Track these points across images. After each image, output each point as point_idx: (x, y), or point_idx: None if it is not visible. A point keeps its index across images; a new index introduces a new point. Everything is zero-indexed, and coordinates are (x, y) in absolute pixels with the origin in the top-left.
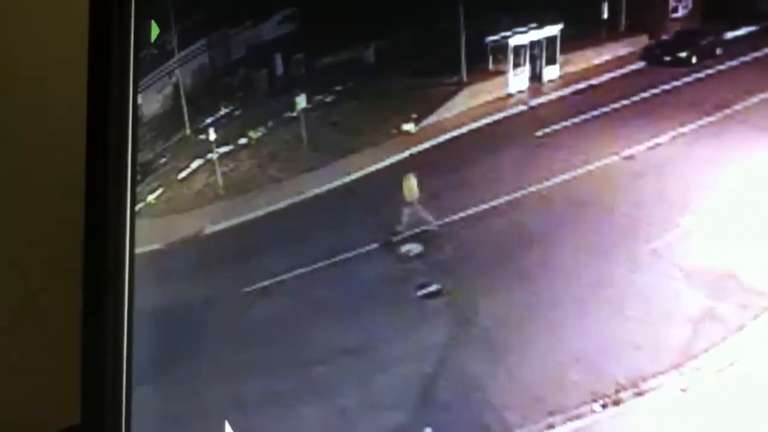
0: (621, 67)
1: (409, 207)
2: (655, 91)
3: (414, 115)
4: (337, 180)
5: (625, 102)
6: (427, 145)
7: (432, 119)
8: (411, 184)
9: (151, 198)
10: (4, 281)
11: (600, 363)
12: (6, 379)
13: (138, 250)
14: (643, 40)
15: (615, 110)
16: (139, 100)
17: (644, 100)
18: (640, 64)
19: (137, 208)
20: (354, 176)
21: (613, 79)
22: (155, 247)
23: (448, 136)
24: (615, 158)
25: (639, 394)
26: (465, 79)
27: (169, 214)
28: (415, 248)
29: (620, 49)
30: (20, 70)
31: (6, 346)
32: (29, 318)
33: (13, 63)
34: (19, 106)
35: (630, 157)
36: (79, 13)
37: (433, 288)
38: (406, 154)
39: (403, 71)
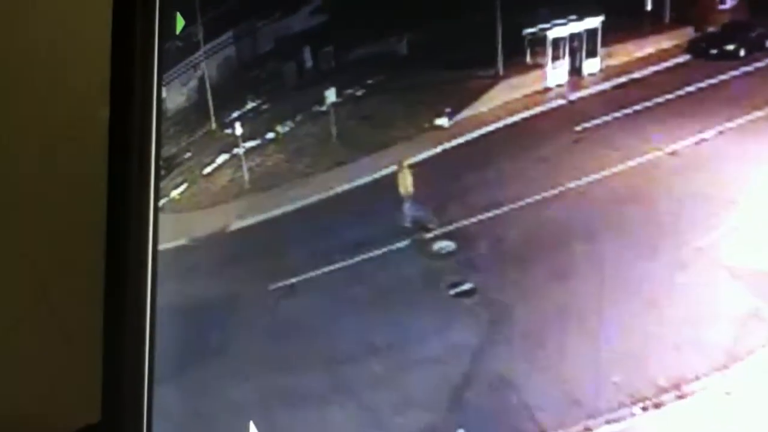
0: (665, 60)
1: (404, 203)
2: (701, 84)
3: (447, 110)
4: (367, 175)
5: (668, 96)
6: (460, 139)
7: (466, 113)
8: (406, 180)
9: (175, 193)
10: (17, 276)
11: (640, 364)
12: (21, 375)
13: (161, 247)
14: (689, 33)
15: (658, 104)
16: (163, 94)
17: (689, 94)
18: (685, 57)
19: (161, 203)
20: (385, 171)
21: (656, 72)
22: (179, 243)
23: (483, 130)
24: (658, 154)
25: (681, 396)
26: (501, 72)
27: (194, 209)
28: (447, 246)
29: (664, 41)
30: (41, 63)
31: (19, 342)
32: (41, 314)
33: (33, 55)
34: (39, 99)
35: (673, 153)
36: (102, 3)
37: (466, 286)
38: (439, 149)
39: (436, 64)
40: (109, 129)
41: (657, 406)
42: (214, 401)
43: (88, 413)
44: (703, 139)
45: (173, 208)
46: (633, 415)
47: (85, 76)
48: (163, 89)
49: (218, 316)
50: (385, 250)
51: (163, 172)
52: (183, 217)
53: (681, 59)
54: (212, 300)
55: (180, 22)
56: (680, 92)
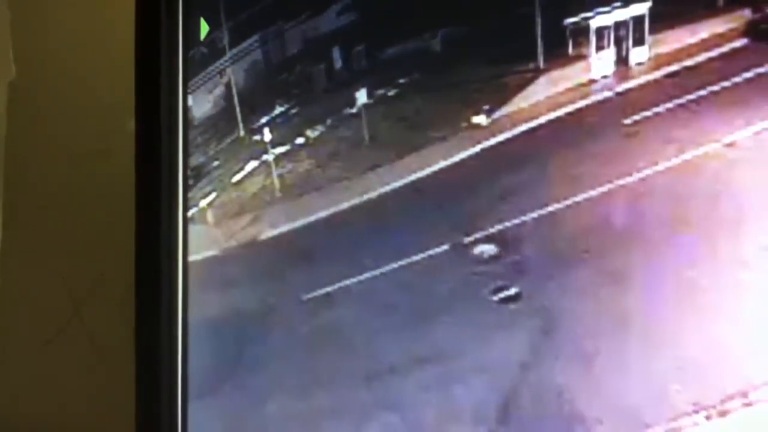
0: (720, 45)
1: None
2: (761, 70)
3: (485, 107)
4: (403, 178)
5: (725, 84)
6: (500, 138)
7: (506, 110)
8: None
9: (204, 203)
10: (51, 292)
11: (703, 370)
12: (54, 393)
13: (192, 258)
14: (746, 15)
15: (714, 93)
16: (189, 102)
17: (748, 80)
18: (743, 42)
19: (190, 213)
20: (421, 174)
21: (710, 59)
22: (210, 253)
23: (524, 127)
24: (715, 146)
25: (748, 404)
26: (542, 65)
27: (224, 219)
28: (489, 250)
29: (719, 25)
30: (66, 72)
31: (51, 359)
32: (73, 331)
33: (58, 64)
34: (64, 110)
35: (732, 144)
36: (126, 11)
37: (511, 291)
38: (478, 148)
39: (472, 60)
40: (135, 139)
41: (722, 414)
42: (250, 416)
43: (121, 429)
44: (765, 129)
45: (203, 218)
46: (696, 424)
47: (112, 88)
48: (189, 97)
49: (252, 328)
50: (423, 255)
51: (191, 182)
52: (213, 226)
53: (738, 43)
54: (245, 311)
55: (204, 28)
56: (737, 79)
